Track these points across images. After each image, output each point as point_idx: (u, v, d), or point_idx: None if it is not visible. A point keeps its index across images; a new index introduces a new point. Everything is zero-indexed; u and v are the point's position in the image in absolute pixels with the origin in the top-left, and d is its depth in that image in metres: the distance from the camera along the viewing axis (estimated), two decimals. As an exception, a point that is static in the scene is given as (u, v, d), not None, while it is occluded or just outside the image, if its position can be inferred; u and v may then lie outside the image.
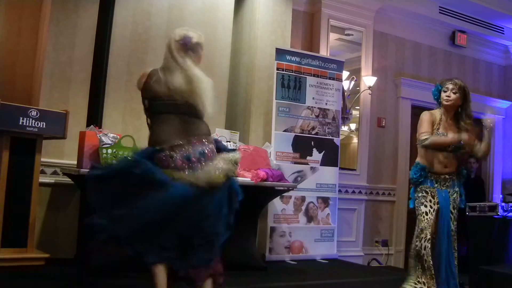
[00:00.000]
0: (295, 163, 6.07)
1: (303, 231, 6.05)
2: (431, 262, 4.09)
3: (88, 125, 4.81)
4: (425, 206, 4.19)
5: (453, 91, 4.25)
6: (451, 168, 4.31)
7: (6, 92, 4.29)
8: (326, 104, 6.33)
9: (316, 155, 6.22)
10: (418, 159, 4.38)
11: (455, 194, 4.31)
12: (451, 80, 4.31)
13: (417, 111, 6.81)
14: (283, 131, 6.01)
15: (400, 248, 7.43)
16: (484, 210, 5.79)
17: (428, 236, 4.10)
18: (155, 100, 3.25)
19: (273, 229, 5.85)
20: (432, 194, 4.23)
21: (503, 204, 5.83)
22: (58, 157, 4.97)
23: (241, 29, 6.41)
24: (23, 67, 4.43)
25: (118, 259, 4.39)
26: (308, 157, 6.16)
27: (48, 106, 4.61)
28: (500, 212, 5.68)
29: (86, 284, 4.12)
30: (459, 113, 4.32)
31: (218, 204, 3.16)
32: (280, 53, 6.05)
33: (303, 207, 6.09)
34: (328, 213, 6.27)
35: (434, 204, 4.20)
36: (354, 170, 7.10)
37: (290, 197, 5.97)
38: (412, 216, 4.70)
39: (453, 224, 4.24)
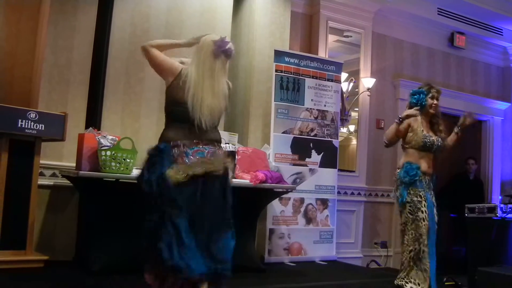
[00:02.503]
0: (294, 165, 6.07)
1: (302, 233, 6.05)
2: (428, 265, 4.37)
3: (86, 127, 4.81)
4: (422, 212, 4.43)
5: (437, 99, 4.66)
6: (432, 169, 4.64)
7: (5, 94, 4.30)
8: (324, 105, 6.33)
9: (315, 157, 6.22)
10: (408, 159, 4.64)
11: (433, 197, 4.62)
12: (433, 87, 4.69)
13: (415, 112, 6.81)
14: (282, 132, 6.01)
15: (399, 249, 7.39)
16: (483, 211, 5.79)
17: (426, 241, 4.39)
18: (176, 106, 3.20)
19: (272, 231, 5.85)
20: (424, 198, 4.47)
21: (502, 205, 5.83)
22: (57, 159, 4.98)
23: (239, 31, 6.41)
24: (21, 69, 4.44)
25: (118, 261, 4.42)
26: (307, 159, 6.16)
27: (46, 109, 4.61)
28: (499, 213, 5.67)
29: (86, 286, 4.11)
30: (433, 114, 4.73)
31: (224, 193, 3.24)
32: (279, 55, 6.06)
33: (302, 209, 6.09)
34: (327, 215, 6.27)
35: (427, 209, 4.44)
36: (353, 171, 7.10)
37: (289, 199, 5.97)
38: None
39: (436, 224, 4.57)
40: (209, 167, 3.12)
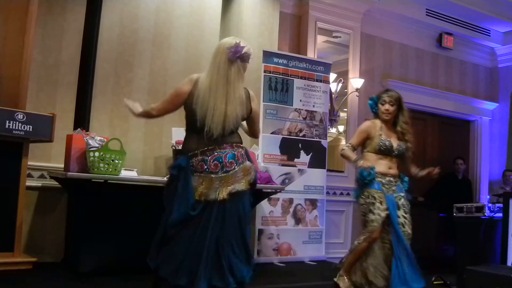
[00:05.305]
0: (283, 165, 6.08)
1: (291, 233, 6.07)
2: (367, 264, 4.31)
3: (75, 128, 4.80)
4: (373, 213, 4.27)
5: (390, 103, 4.43)
6: (394, 170, 4.46)
7: (-8, 95, 4.27)
8: (313, 106, 6.35)
9: (304, 157, 6.23)
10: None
11: (402, 199, 4.40)
12: (386, 93, 4.50)
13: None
14: (271, 133, 6.02)
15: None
16: (471, 211, 5.81)
17: (368, 239, 4.27)
18: (192, 116, 3.20)
19: (261, 232, 5.85)
20: (380, 200, 4.29)
21: (490, 205, 5.85)
22: (45, 161, 4.95)
23: (228, 32, 6.38)
24: (9, 70, 4.40)
25: (106, 263, 4.41)
26: (295, 159, 6.17)
27: (34, 109, 4.58)
28: (487, 212, 5.70)
29: (74, 288, 4.11)
30: (396, 120, 4.51)
31: (247, 209, 3.32)
32: (268, 55, 6.07)
33: (291, 209, 6.10)
34: (316, 215, 6.29)
35: (382, 211, 4.25)
36: (342, 172, 7.12)
37: (278, 199, 5.98)
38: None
39: (409, 227, 4.33)
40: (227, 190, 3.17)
